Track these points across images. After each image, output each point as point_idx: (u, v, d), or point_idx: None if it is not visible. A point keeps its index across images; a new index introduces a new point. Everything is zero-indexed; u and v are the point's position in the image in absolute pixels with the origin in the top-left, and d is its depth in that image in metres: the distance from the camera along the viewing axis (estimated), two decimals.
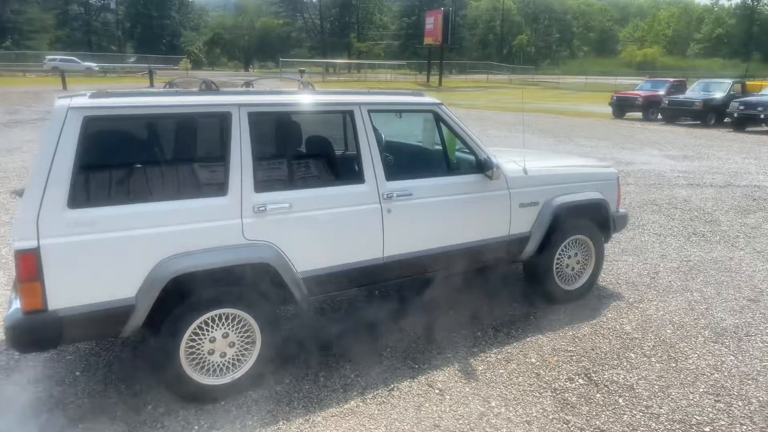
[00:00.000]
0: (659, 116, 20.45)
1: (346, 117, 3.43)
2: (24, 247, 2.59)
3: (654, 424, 2.85)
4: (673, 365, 3.42)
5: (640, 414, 2.94)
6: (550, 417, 2.91)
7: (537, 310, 4.21)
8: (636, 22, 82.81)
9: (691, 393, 3.13)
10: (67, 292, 2.69)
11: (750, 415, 2.93)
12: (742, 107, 17.16)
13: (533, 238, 4.05)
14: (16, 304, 2.74)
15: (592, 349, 3.63)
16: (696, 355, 3.55)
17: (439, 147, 3.96)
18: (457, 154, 4.00)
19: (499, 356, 3.55)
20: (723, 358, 3.50)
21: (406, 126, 4.43)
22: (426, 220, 3.58)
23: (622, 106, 21.25)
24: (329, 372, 3.38)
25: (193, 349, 3.00)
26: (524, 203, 3.99)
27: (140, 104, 2.87)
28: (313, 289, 3.27)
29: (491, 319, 4.08)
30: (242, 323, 3.11)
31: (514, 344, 3.71)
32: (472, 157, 3.83)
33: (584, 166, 4.56)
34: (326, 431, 2.83)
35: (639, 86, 22.48)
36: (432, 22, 44.71)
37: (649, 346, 3.66)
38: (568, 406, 3.00)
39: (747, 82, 20.81)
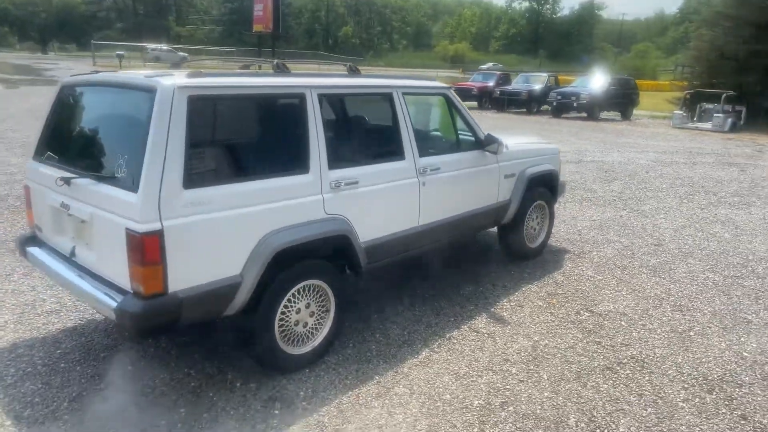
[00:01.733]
0: (489, 105, 22.93)
1: (386, 99, 3.73)
2: (149, 229, 2.52)
3: (653, 335, 3.70)
4: (640, 295, 4.38)
5: (642, 330, 3.79)
6: (585, 341, 3.62)
7: (513, 268, 4.93)
8: (446, 19, 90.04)
9: (664, 312, 4.08)
10: (184, 273, 2.66)
11: (710, 320, 3.95)
12: (559, 97, 20.13)
13: (512, 205, 4.74)
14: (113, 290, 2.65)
15: (576, 291, 4.44)
16: (649, 286, 4.56)
17: (437, 128, 4.44)
18: (459, 133, 4.51)
19: (511, 303, 4.18)
20: (668, 287, 4.56)
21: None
22: (448, 191, 4.05)
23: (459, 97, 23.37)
24: (384, 333, 3.69)
25: (283, 322, 3.12)
26: (507, 175, 4.65)
27: (236, 84, 2.90)
28: (370, 258, 3.55)
29: (485, 277, 4.69)
30: (320, 293, 3.29)
31: (515, 294, 4.37)
32: (471, 136, 4.38)
33: (539, 142, 5.39)
34: (418, 377, 3.18)
35: (472, 78, 24.95)
36: (261, 8, 43.77)
37: (613, 284, 4.59)
38: (592, 332, 3.74)
39: (558, 76, 24.31)
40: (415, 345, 3.55)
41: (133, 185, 2.58)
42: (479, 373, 3.22)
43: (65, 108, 3.36)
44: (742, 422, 2.81)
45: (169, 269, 2.60)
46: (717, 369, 3.30)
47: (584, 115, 19.85)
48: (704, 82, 20.28)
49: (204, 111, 2.77)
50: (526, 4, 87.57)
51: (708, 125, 17.57)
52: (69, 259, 3.12)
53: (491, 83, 23.24)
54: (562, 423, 2.78)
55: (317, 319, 3.31)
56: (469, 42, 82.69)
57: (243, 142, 3.14)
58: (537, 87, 21.80)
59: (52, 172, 3.13)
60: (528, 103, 21.34)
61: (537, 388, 3.08)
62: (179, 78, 2.72)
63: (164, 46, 44.81)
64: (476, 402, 2.95)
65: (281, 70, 3.27)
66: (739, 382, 3.16)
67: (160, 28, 60.20)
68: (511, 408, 2.90)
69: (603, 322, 3.89)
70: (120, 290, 2.74)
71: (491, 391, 3.05)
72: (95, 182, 2.80)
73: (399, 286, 4.40)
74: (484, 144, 4.32)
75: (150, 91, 2.65)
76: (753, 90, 19.12)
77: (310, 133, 3.16)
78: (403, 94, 3.80)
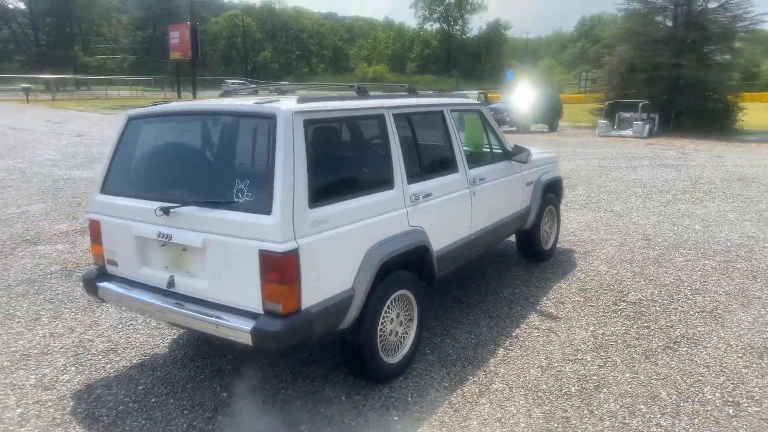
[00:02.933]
0: None
1: (440, 116, 3.97)
2: (287, 249, 2.60)
3: (688, 316, 4.14)
4: (657, 283, 4.84)
5: (677, 312, 4.22)
6: (635, 327, 3.99)
7: (534, 270, 5.28)
8: (361, 42, 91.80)
9: (686, 296, 4.55)
10: (313, 289, 2.76)
11: (727, 299, 4.45)
12: (492, 112, 21.14)
13: (533, 210, 5.11)
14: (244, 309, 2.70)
15: (601, 285, 4.84)
16: (661, 275, 5.05)
17: (474, 141, 4.72)
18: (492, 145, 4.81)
19: (551, 301, 4.51)
20: (676, 274, 5.06)
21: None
22: (491, 200, 4.34)
23: None
24: (453, 338, 3.89)
25: (381, 332, 3.26)
26: (528, 182, 5.02)
27: (337, 108, 3.04)
28: (440, 267, 3.75)
29: (513, 280, 5.00)
30: (406, 303, 3.45)
31: (550, 292, 4.70)
32: (499, 148, 4.70)
33: (545, 151, 5.81)
34: (508, 373, 3.41)
35: None
36: (178, 36, 42.92)
37: (630, 276, 5.04)
38: (636, 319, 4.13)
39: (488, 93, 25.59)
40: (488, 346, 3.77)
41: (263, 208, 2.66)
42: (561, 364, 3.49)
43: (141, 140, 3.34)
44: None
45: (303, 287, 2.70)
46: (757, 338, 3.76)
47: (514, 129, 20.99)
48: (619, 93, 22.04)
49: (315, 134, 2.90)
50: (437, 25, 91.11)
51: (629, 132, 19.13)
52: (163, 291, 3.09)
53: None
54: (656, 397, 3.10)
55: (404, 329, 3.46)
56: (386, 64, 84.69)
57: (346, 161, 3.28)
58: None
59: (138, 204, 3.11)
60: None
61: (617, 370, 3.39)
62: (292, 103, 2.83)
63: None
64: (573, 389, 3.21)
65: (363, 93, 3.44)
66: None
67: (66, 59, 57.22)
68: (605, 390, 3.18)
69: (641, 310, 4.29)
70: (242, 313, 2.78)
71: (580, 378, 3.32)
72: (207, 209, 2.83)
73: (441, 294, 4.61)
74: (511, 154, 4.65)
75: (269, 118, 2.75)
76: (660, 99, 21.04)
77: (392, 150, 3.35)
78: (451, 111, 4.07)
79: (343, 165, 3.21)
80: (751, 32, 21.39)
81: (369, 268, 3.03)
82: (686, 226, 6.77)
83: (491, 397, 3.16)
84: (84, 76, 53.39)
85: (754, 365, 3.41)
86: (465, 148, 4.23)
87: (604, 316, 4.20)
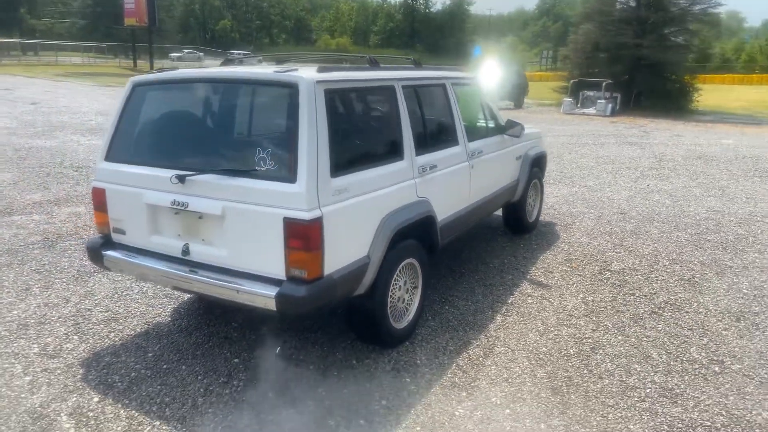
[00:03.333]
0: None
1: (443, 89, 4.03)
2: (313, 216, 2.66)
3: (669, 284, 4.40)
4: (637, 254, 5.11)
5: (658, 281, 4.48)
6: (621, 294, 4.23)
7: (519, 242, 5.47)
8: (323, 13, 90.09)
9: (664, 266, 4.82)
10: (334, 256, 2.83)
11: (703, 269, 4.74)
12: None
13: (521, 183, 5.27)
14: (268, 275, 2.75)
15: (585, 255, 5.07)
16: (639, 246, 5.31)
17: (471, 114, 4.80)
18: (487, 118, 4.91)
19: (540, 270, 4.70)
20: (653, 246, 5.34)
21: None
22: (487, 173, 4.46)
23: None
24: (452, 305, 4.03)
25: (390, 298, 3.36)
26: (518, 156, 5.17)
27: (354, 78, 3.08)
28: (442, 237, 3.87)
29: (501, 251, 5.18)
30: (412, 271, 3.56)
31: (538, 262, 4.90)
32: (493, 122, 4.81)
33: (531, 127, 5.95)
34: (508, 337, 3.58)
35: None
36: (133, 1, 41.22)
37: (611, 247, 5.29)
38: (621, 287, 4.36)
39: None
40: (486, 312, 3.93)
41: (287, 176, 2.69)
42: (557, 329, 3.69)
43: (149, 107, 3.30)
44: None
45: (326, 254, 2.76)
46: (733, 304, 4.05)
47: None
48: (583, 72, 22.49)
49: (335, 103, 2.93)
50: None
51: (592, 110, 19.62)
52: (177, 258, 3.10)
53: None
54: (648, 357, 3.33)
55: (410, 296, 3.57)
56: (349, 36, 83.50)
57: (362, 132, 3.32)
58: None
59: (150, 172, 3.09)
60: None
61: (609, 334, 3.61)
62: (312, 72, 2.85)
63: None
64: (571, 351, 3.41)
65: (375, 64, 3.47)
66: (755, 311, 3.93)
67: (10, 22, 54.12)
68: (601, 351, 3.39)
69: (624, 278, 4.53)
70: (262, 279, 2.83)
71: (576, 341, 3.53)
72: (227, 177, 2.84)
73: (434, 265, 4.73)
74: (505, 129, 4.78)
75: (291, 87, 2.76)
76: (622, 78, 21.60)
77: (402, 122, 3.41)
78: (452, 84, 4.15)
79: (360, 135, 3.26)
80: (707, 15, 22.06)
81: (384, 236, 3.12)
82: (657, 201, 7.10)
83: (496, 359, 3.32)
84: (31, 41, 50.66)
85: (733, 328, 3.68)
86: (463, 121, 4.32)
87: (591, 284, 4.42)
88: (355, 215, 2.95)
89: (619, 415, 2.78)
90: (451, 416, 2.79)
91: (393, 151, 3.35)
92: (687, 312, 3.91)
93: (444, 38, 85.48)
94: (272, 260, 2.78)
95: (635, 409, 2.83)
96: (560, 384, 3.05)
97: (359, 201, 2.96)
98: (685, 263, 4.88)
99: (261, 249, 2.81)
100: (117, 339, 3.57)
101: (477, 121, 4.69)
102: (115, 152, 3.33)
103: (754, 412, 2.79)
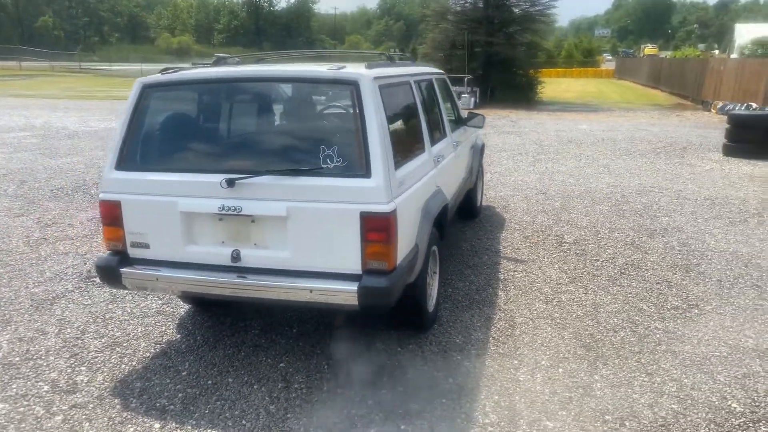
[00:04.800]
0: None
1: (430, 84, 4.22)
2: (391, 209, 2.74)
3: (619, 250, 5.07)
4: (578, 226, 5.77)
5: (610, 248, 5.13)
6: (587, 261, 4.79)
7: (473, 226, 5.87)
8: (160, 10, 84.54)
9: (603, 232, 5.52)
10: (401, 247, 2.92)
11: (620, 225, 5.51)
12: None
13: (474, 171, 5.67)
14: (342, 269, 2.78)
15: (536, 231, 5.62)
16: (575, 219, 5.99)
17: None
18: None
19: (508, 249, 5.13)
20: (586, 218, 6.06)
21: None
22: (461, 161, 4.77)
23: None
24: (452, 286, 4.28)
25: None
26: (472, 146, 5.55)
27: (394, 74, 3.17)
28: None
29: (463, 235, 5.54)
30: (433, 257, 3.75)
31: (501, 243, 5.33)
32: (456, 114, 5.13)
33: None
34: (520, 307, 3.92)
35: None
36: None
37: (552, 222, 5.90)
38: (582, 255, 4.94)
39: None
40: (487, 290, 4.24)
41: (360, 172, 2.74)
42: (556, 296, 4.11)
43: (169, 110, 3.09)
44: (712, 282, 4.31)
45: (398, 244, 2.85)
46: (676, 259, 4.81)
47: None
48: (443, 68, 23.92)
49: (385, 99, 3.01)
50: None
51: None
52: (223, 267, 2.97)
53: None
54: (641, 309, 3.87)
55: (431, 281, 3.76)
56: (191, 34, 79.41)
57: (401, 126, 3.39)
58: None
59: (185, 178, 2.92)
60: None
61: (599, 295, 4.12)
62: (363, 69, 2.91)
63: None
64: (579, 312, 3.84)
65: (393, 61, 3.57)
66: (694, 263, 4.71)
67: None
68: (602, 310, 3.87)
69: (582, 248, 5.13)
70: (333, 277, 2.84)
71: (578, 304, 3.97)
72: (288, 177, 2.80)
73: None
74: (466, 120, 5.13)
75: (352, 83, 2.80)
76: (478, 74, 23.37)
77: (421, 115, 3.58)
78: (437, 80, 4.38)
79: (401, 130, 3.36)
80: (546, 16, 24.71)
81: (426, 225, 3.27)
82: (563, 181, 7.99)
83: (522, 328, 3.64)
84: None
85: (687, 278, 4.40)
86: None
87: (558, 255, 4.95)
88: (410, 206, 3.07)
89: (649, 358, 3.25)
90: (516, 382, 3.04)
91: (420, 144, 3.50)
92: (646, 270, 4.58)
93: (291, 37, 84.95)
94: (346, 256, 2.80)
95: (657, 351, 3.32)
96: (588, 341, 3.46)
97: (410, 192, 3.09)
98: (620, 230, 5.64)
99: (332, 246, 2.81)
100: (134, 363, 3.29)
101: (451, 113, 4.98)
102: (130, 160, 3.07)
103: (742, 340, 3.43)
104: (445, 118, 4.34)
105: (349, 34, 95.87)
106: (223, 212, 2.88)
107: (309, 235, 2.83)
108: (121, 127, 3.09)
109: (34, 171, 8.63)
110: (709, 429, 2.63)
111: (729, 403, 2.83)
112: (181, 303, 4.03)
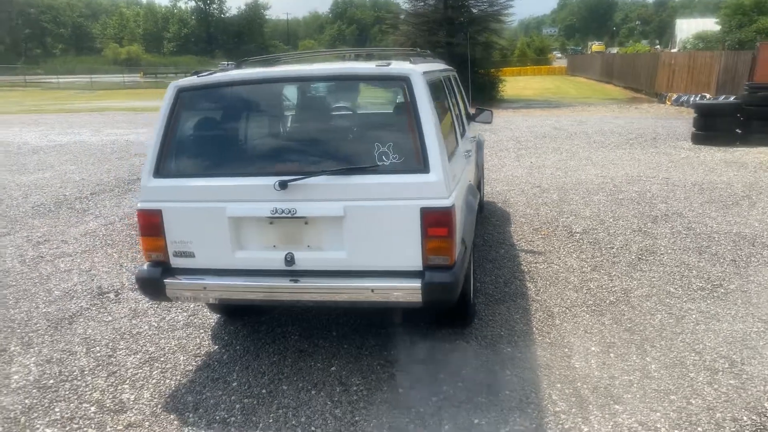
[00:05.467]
0: None
1: (450, 80, 4.23)
2: (451, 203, 2.72)
3: (630, 238, 5.20)
4: (583, 216, 5.88)
5: (617, 233, 5.25)
6: (603, 249, 4.88)
7: (480, 221, 5.90)
8: (105, 19, 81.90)
9: (608, 221, 5.65)
10: (457, 242, 2.91)
11: (623, 213, 5.65)
12: None
13: (479, 166, 5.71)
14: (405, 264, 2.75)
15: (545, 222, 5.70)
16: (577, 210, 6.11)
17: None
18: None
19: (522, 241, 5.19)
20: (587, 208, 6.19)
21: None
22: (475, 156, 4.79)
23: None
24: (480, 281, 4.30)
25: None
26: (478, 141, 5.59)
27: (433, 69, 3.15)
28: None
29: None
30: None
31: (513, 236, 5.39)
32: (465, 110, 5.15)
33: None
34: (553, 298, 3.97)
35: None
36: None
37: (556, 214, 6.00)
38: (596, 244, 5.04)
39: None
40: (514, 282, 4.28)
41: (418, 167, 2.71)
42: (584, 284, 4.18)
43: (210, 113, 2.99)
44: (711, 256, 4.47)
45: (456, 238, 2.84)
46: (686, 242, 4.96)
47: None
48: None
49: (432, 94, 2.99)
50: (192, 3, 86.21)
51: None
52: (275, 271, 2.90)
53: None
54: (669, 292, 3.97)
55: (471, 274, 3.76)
56: (140, 43, 77.30)
57: (441, 121, 3.37)
58: None
59: (234, 182, 2.84)
60: None
61: (624, 281, 4.20)
62: (412, 66, 2.90)
63: None
64: (611, 298, 3.91)
65: (424, 57, 3.55)
66: (705, 245, 4.87)
67: None
68: (632, 294, 3.96)
69: (594, 237, 5.24)
70: (392, 275, 2.80)
71: (607, 290, 4.05)
72: (344, 176, 2.75)
73: None
74: (474, 116, 5.17)
75: (404, 79, 2.78)
76: None
77: (452, 110, 3.60)
78: (452, 75, 4.40)
79: (443, 125, 3.35)
80: (503, 15, 25.19)
81: (471, 218, 3.28)
82: (552, 174, 8.15)
83: (561, 317, 3.68)
84: None
85: (703, 260, 4.55)
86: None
87: (573, 245, 5.04)
88: (460, 200, 3.06)
89: (692, 337, 3.34)
90: (573, 369, 3.08)
91: (455, 139, 3.51)
92: (662, 254, 4.71)
93: (244, 43, 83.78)
94: (406, 252, 2.77)
95: (698, 330, 3.41)
96: (629, 325, 3.53)
97: (459, 186, 3.08)
98: (623, 218, 5.78)
99: (391, 243, 2.78)
100: (178, 377, 3.17)
101: (464, 108, 5.01)
102: (169, 166, 2.96)
103: None
104: (464, 113, 4.36)
105: (302, 39, 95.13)
106: (276, 215, 2.80)
107: (366, 233, 2.79)
108: (156, 134, 2.97)
109: (6, 188, 8.23)
110: None
111: None
112: (209, 314, 3.91)
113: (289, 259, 2.87)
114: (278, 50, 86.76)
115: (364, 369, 3.17)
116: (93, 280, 4.68)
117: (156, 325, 3.82)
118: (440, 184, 2.70)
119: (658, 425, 2.58)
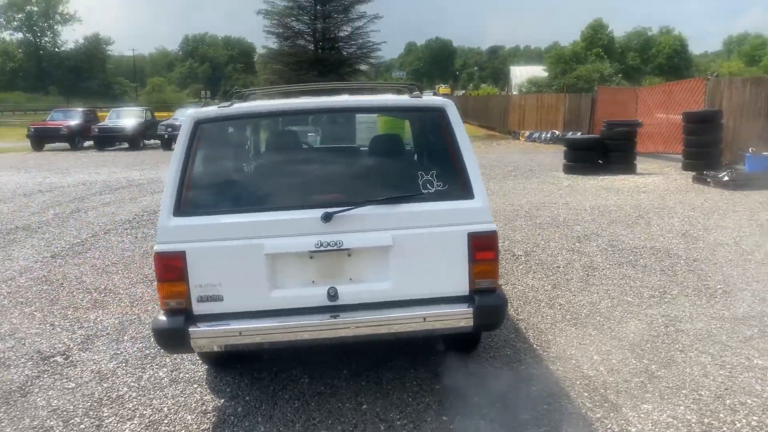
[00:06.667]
0: (85, 144, 21.07)
1: None
2: (494, 228, 2.83)
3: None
4: (527, 236, 6.31)
5: (559, 250, 5.72)
6: (552, 272, 5.29)
7: None
8: None
9: (552, 234, 6.13)
10: None
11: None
12: (170, 129, 20.26)
13: None
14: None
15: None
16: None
17: None
18: None
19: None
20: (534, 220, 6.65)
21: None
22: None
23: (41, 137, 20.47)
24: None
25: None
26: None
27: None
28: None
29: None
30: None
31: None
32: None
33: None
34: (532, 316, 4.22)
35: (51, 117, 21.98)
36: None
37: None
38: (543, 265, 5.44)
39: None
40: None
41: (463, 193, 2.80)
42: (553, 301, 4.50)
43: (239, 145, 2.80)
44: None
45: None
46: (618, 257, 5.56)
47: (126, 146, 20.93)
48: None
49: None
50: (20, 35, 78.30)
51: None
52: (313, 308, 2.77)
53: (77, 120, 21.27)
54: (626, 301, 4.43)
55: None
56: None
57: None
58: (135, 121, 21.36)
59: (272, 217, 2.70)
60: (132, 139, 20.78)
61: (585, 296, 4.60)
62: (441, 98, 3.00)
63: None
64: (586, 311, 4.26)
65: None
66: (635, 260, 5.50)
67: None
68: (600, 306, 4.35)
69: (538, 258, 5.65)
70: (437, 301, 2.83)
71: (577, 305, 4.40)
72: (391, 206, 2.75)
73: None
74: None
75: (439, 110, 2.88)
76: None
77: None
78: None
79: None
80: (372, 58, 26.36)
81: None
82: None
83: (552, 333, 3.91)
84: None
85: (640, 271, 5.13)
86: None
87: (522, 266, 5.39)
88: None
89: (669, 339, 3.76)
90: (589, 377, 3.29)
91: None
92: (603, 269, 5.23)
93: (83, 80, 77.61)
94: (453, 278, 2.82)
95: (670, 332, 3.85)
96: (613, 333, 3.86)
97: None
98: (553, 240, 6.31)
99: (437, 270, 2.81)
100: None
101: None
102: (193, 203, 2.73)
103: (722, 312, 4.15)
104: None
105: (149, 76, 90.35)
106: (320, 249, 2.70)
107: (413, 261, 2.79)
108: (174, 169, 2.73)
109: None
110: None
111: (754, 361, 3.42)
112: (193, 367, 3.57)
113: (333, 294, 2.76)
114: (124, 86, 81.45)
115: (396, 402, 3.10)
116: (24, 344, 4.01)
117: (136, 385, 3.39)
118: (485, 210, 2.80)
119: (688, 417, 2.87)
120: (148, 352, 3.83)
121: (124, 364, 3.65)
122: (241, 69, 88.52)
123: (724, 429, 2.76)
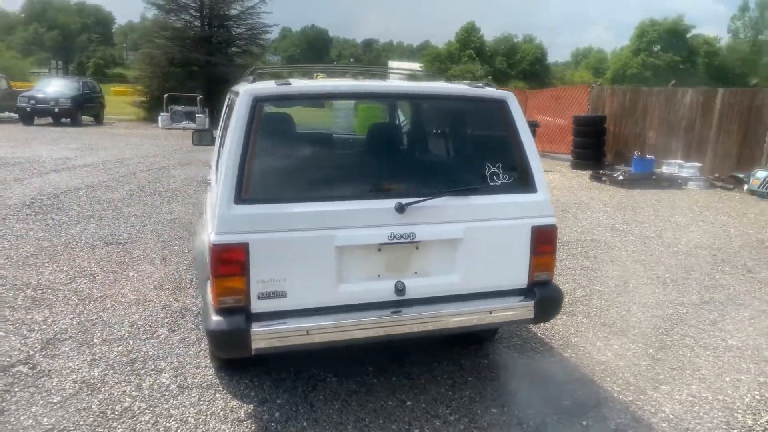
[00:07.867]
0: None
1: None
2: (555, 221, 2.89)
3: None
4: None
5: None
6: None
7: None
8: None
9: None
10: None
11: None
12: (33, 101, 17.87)
13: None
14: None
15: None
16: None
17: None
18: None
19: None
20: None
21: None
22: None
23: None
24: None
25: None
26: None
27: None
28: None
29: None
30: None
31: None
32: None
33: None
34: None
35: None
36: None
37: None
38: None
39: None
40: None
41: (527, 187, 2.82)
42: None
43: (300, 128, 2.53)
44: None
45: None
46: (559, 253, 5.93)
47: (68, 120, 18.51)
48: (161, 86, 22.15)
49: None
50: None
51: (192, 124, 19.78)
52: (378, 303, 2.64)
53: None
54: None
55: None
56: None
57: None
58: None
59: (342, 207, 2.52)
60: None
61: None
62: (501, 89, 2.98)
63: None
64: (566, 301, 4.50)
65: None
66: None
67: None
68: (569, 296, 4.62)
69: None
70: (496, 294, 2.83)
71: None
72: (463, 197, 2.69)
73: None
74: None
75: (501, 102, 2.86)
76: (198, 92, 22.36)
77: None
78: None
79: None
80: (261, 39, 25.27)
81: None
82: None
83: (550, 323, 4.08)
84: None
85: (592, 263, 5.53)
86: None
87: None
88: None
89: (650, 323, 4.10)
90: (602, 363, 3.49)
91: None
92: (560, 260, 5.55)
93: None
94: (514, 270, 2.83)
95: (647, 317, 4.21)
96: (601, 321, 4.13)
97: None
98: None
99: (501, 263, 2.81)
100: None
101: None
102: (257, 190, 2.45)
103: (673, 297, 4.61)
104: None
105: None
106: (392, 241, 2.56)
107: (480, 254, 2.76)
108: (232, 151, 2.41)
109: None
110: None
111: (729, 342, 3.86)
112: (198, 371, 3.22)
113: (401, 288, 2.64)
114: None
115: (437, 397, 3.05)
116: None
117: (139, 394, 2.97)
118: (547, 203, 2.84)
119: (704, 395, 3.16)
120: (133, 356, 3.37)
121: (111, 371, 3.18)
122: (97, 40, 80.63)
123: (738, 404, 3.09)
